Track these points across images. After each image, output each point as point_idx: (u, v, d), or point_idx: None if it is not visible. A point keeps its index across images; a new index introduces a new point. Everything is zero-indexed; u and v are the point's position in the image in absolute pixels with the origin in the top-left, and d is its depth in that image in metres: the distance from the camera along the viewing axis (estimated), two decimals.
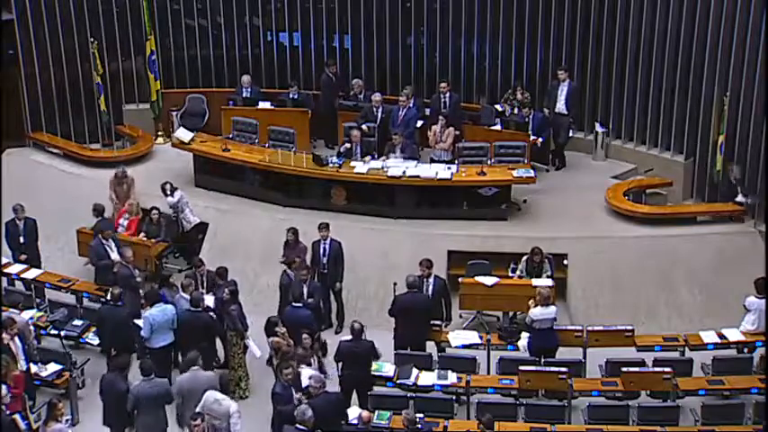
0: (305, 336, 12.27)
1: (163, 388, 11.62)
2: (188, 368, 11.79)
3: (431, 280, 13.47)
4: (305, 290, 13.33)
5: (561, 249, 14.90)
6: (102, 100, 17.94)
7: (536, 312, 12.79)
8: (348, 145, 16.12)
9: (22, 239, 14.97)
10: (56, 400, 11.24)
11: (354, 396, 12.45)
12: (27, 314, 13.38)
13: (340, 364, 12.57)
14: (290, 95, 17.66)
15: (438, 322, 13.47)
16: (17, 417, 11.12)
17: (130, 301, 13.43)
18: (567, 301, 14.76)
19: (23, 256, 14.97)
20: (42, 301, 14.27)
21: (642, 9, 16.60)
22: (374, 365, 12.47)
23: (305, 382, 11.72)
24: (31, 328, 13.05)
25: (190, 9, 18.67)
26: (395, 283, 13.39)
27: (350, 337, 12.49)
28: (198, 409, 11.39)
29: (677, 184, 16.60)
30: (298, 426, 10.86)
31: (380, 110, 16.92)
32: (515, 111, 17.12)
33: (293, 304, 13.02)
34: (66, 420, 11.35)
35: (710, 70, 15.92)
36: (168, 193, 15.50)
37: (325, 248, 14.27)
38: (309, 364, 12.16)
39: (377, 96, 17.07)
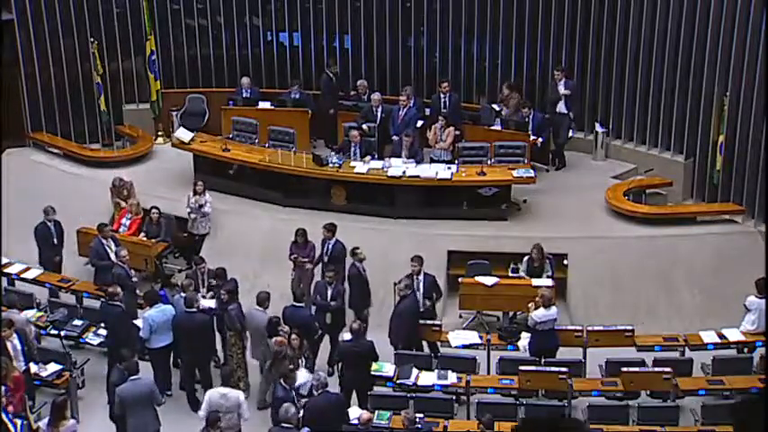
0: (293, 336, 12.27)
1: (148, 387, 11.57)
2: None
3: (420, 277, 13.50)
4: (329, 292, 13.37)
5: (561, 249, 14.90)
6: (102, 100, 17.95)
7: (538, 314, 12.78)
8: (351, 149, 16.08)
9: (55, 240, 14.93)
10: (62, 399, 11.25)
11: (354, 396, 12.45)
12: (28, 314, 13.38)
13: (340, 364, 12.57)
14: (293, 95, 17.66)
15: (439, 322, 13.48)
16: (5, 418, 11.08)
17: (127, 301, 13.42)
18: (566, 301, 14.75)
19: (57, 258, 14.95)
20: (58, 301, 14.23)
21: (642, 9, 16.59)
22: (374, 366, 12.47)
23: (298, 382, 11.74)
24: (32, 327, 13.04)
25: (190, 9, 18.66)
26: (395, 283, 13.40)
27: (350, 336, 12.49)
28: (203, 412, 11.40)
29: (677, 184, 16.60)
30: (283, 425, 10.85)
31: (380, 109, 16.92)
32: (507, 110, 17.09)
33: (294, 304, 13.03)
34: None
35: (710, 70, 15.92)
36: (200, 191, 15.43)
37: (328, 249, 14.29)
38: (298, 366, 12.16)
39: (376, 96, 17.08)
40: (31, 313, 13.55)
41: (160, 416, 11.67)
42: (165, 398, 12.38)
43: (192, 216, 15.50)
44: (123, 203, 15.83)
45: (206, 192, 15.48)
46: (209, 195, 15.50)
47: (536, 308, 12.81)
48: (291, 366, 11.89)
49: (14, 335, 12.25)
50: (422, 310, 13.55)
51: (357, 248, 13.87)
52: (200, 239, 15.65)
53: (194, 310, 12.73)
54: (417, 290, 13.47)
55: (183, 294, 13.21)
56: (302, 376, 11.86)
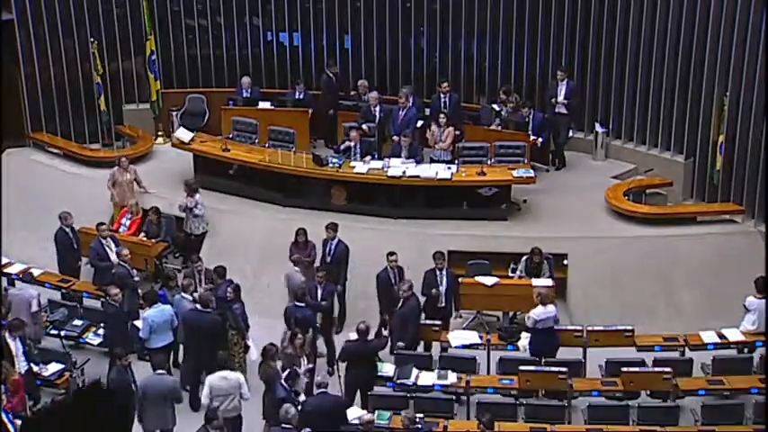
0: (298, 336, 12.30)
1: (170, 385, 11.62)
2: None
3: (444, 272, 13.56)
4: (319, 292, 13.36)
5: (561, 249, 14.90)
6: (102, 100, 17.95)
7: (537, 312, 12.79)
8: (350, 143, 16.11)
9: (75, 245, 14.85)
10: (59, 399, 11.25)
11: (357, 397, 12.45)
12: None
13: (344, 364, 12.55)
14: (297, 94, 17.67)
15: (438, 322, 13.47)
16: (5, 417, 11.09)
17: (129, 300, 13.42)
18: (566, 301, 14.76)
19: (79, 263, 14.90)
20: (58, 301, 14.23)
21: (642, 9, 16.60)
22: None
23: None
24: (36, 302, 13.17)
25: (190, 9, 18.66)
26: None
27: (355, 336, 12.47)
28: (205, 399, 11.64)
29: (677, 184, 16.60)
30: (283, 425, 10.85)
31: (378, 108, 16.90)
32: (509, 111, 17.09)
33: (296, 303, 13.03)
34: None
35: (710, 70, 15.92)
36: (194, 189, 15.44)
37: (330, 248, 14.30)
38: (300, 365, 12.19)
39: (373, 94, 17.01)
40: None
41: None
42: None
43: (185, 216, 15.51)
44: (116, 197, 15.84)
45: (197, 193, 15.45)
46: (199, 196, 15.48)
47: (534, 306, 12.82)
48: (293, 368, 11.90)
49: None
50: (443, 305, 13.63)
51: (392, 253, 13.83)
52: (197, 239, 15.66)
53: (208, 309, 12.71)
54: (441, 284, 13.59)
55: (183, 294, 13.22)
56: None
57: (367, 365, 12.38)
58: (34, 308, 13.22)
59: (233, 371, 12.05)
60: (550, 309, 12.88)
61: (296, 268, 13.69)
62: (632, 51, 16.90)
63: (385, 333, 13.12)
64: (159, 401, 11.54)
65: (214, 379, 11.70)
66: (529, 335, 13.05)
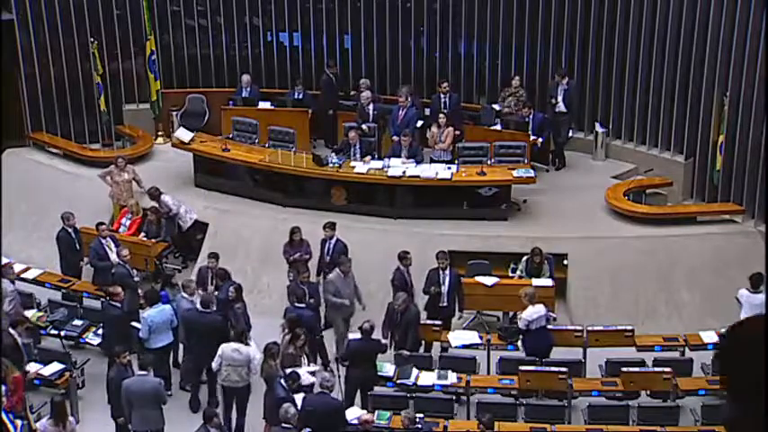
0: (301, 336, 12.28)
1: (154, 387, 11.58)
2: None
3: (447, 272, 13.55)
4: (306, 291, 13.36)
5: (561, 249, 14.90)
6: (102, 100, 17.95)
7: (528, 313, 12.76)
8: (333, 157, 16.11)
9: (78, 246, 14.85)
10: (62, 398, 11.25)
11: (357, 397, 12.44)
12: (29, 313, 13.41)
13: (346, 363, 12.54)
14: (296, 94, 17.68)
15: (438, 323, 13.46)
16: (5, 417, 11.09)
17: (129, 300, 13.42)
18: (567, 301, 14.75)
19: (82, 263, 14.90)
20: (58, 301, 14.22)
21: (642, 9, 16.59)
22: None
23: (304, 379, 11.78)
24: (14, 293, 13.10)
25: (190, 9, 18.67)
26: (389, 304, 13.37)
27: (360, 336, 12.46)
28: (215, 365, 11.90)
29: (677, 184, 16.60)
30: (283, 425, 10.85)
31: (371, 107, 16.87)
32: (519, 106, 17.03)
33: (296, 304, 13.02)
34: None
35: (710, 70, 15.92)
36: (156, 195, 15.46)
37: (329, 248, 14.30)
38: (300, 364, 12.19)
39: (366, 93, 16.99)
40: (30, 313, 13.57)
41: None
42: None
43: (166, 215, 15.57)
44: (117, 190, 15.84)
45: (161, 196, 15.47)
46: (165, 197, 15.50)
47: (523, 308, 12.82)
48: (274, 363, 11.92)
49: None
50: (445, 305, 13.60)
51: (407, 253, 13.82)
52: (192, 235, 15.66)
53: (209, 310, 12.69)
54: (443, 284, 13.54)
55: (184, 294, 13.21)
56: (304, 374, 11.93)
57: (369, 365, 12.38)
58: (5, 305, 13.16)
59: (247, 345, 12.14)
60: (539, 308, 12.85)
61: (336, 270, 13.58)
62: (632, 51, 16.90)
63: (384, 341, 13.08)
64: (143, 403, 11.49)
65: (227, 349, 11.90)
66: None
